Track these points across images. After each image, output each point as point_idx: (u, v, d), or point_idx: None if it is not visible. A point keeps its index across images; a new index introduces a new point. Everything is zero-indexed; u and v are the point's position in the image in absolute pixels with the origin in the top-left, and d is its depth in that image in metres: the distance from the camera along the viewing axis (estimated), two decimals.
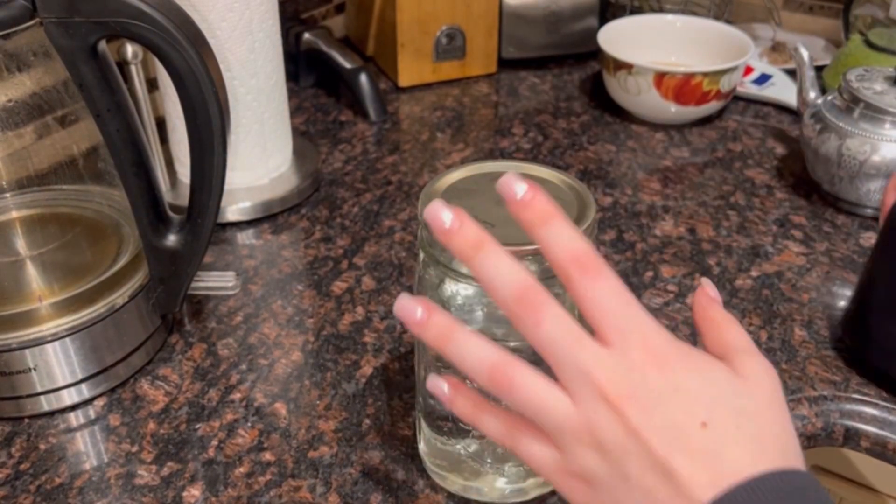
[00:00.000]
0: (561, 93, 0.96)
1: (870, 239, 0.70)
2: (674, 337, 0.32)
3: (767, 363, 0.34)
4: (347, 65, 0.88)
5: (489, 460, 0.46)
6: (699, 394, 0.31)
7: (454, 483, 0.47)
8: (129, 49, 0.63)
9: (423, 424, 0.48)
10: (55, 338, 0.51)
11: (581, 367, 0.31)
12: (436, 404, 0.46)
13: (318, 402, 0.54)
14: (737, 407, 0.31)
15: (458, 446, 0.46)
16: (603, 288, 0.32)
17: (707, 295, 0.37)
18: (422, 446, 0.49)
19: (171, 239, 0.54)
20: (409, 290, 0.63)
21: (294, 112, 0.89)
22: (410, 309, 0.34)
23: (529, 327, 0.32)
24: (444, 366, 0.44)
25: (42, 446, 0.51)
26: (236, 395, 0.54)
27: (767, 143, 0.85)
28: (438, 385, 0.36)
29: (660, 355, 0.31)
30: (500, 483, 0.47)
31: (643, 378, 0.31)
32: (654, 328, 0.32)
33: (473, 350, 0.33)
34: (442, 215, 0.33)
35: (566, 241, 0.32)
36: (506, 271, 0.32)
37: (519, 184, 0.32)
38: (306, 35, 0.91)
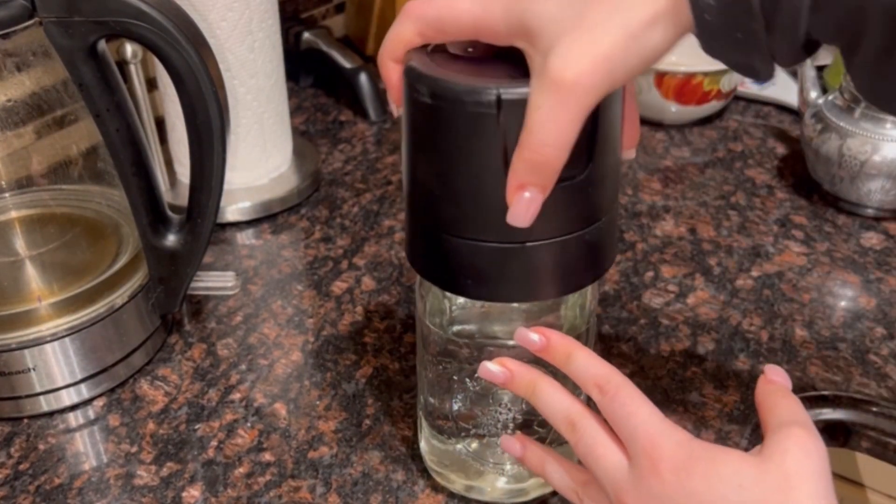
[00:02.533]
0: None
1: (871, 239, 0.70)
2: (687, 438, 0.35)
3: (810, 436, 0.35)
4: (347, 64, 0.88)
5: (490, 460, 0.46)
6: (703, 494, 0.33)
7: (455, 483, 0.47)
8: (129, 49, 0.63)
9: (424, 424, 0.47)
10: (54, 338, 0.51)
11: (604, 479, 0.36)
12: (436, 403, 0.46)
13: (317, 402, 0.54)
14: (741, 500, 0.33)
15: (459, 446, 0.46)
16: (617, 406, 0.36)
17: (767, 380, 0.39)
18: (422, 445, 0.49)
19: (171, 239, 0.54)
20: (410, 290, 0.63)
21: (294, 112, 0.89)
22: (492, 371, 0.40)
23: (573, 442, 0.38)
24: (445, 365, 0.44)
25: (41, 446, 0.51)
26: (236, 396, 0.54)
27: (768, 143, 0.85)
28: (512, 443, 0.42)
29: (664, 461, 0.34)
30: (501, 483, 0.46)
31: (648, 488, 0.34)
32: (665, 434, 0.35)
33: (554, 399, 0.39)
34: (530, 336, 0.39)
35: (588, 368, 0.38)
36: (558, 400, 0.39)
37: (531, 334, 0.39)
38: (306, 35, 0.91)
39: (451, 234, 0.37)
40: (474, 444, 0.46)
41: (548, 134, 0.32)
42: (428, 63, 0.35)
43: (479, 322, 0.44)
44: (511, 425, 0.45)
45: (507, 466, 0.46)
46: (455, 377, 0.44)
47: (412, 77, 0.35)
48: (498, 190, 0.34)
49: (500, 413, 0.44)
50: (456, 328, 0.44)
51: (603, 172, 0.36)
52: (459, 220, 0.37)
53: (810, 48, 0.31)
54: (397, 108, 0.38)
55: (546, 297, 0.41)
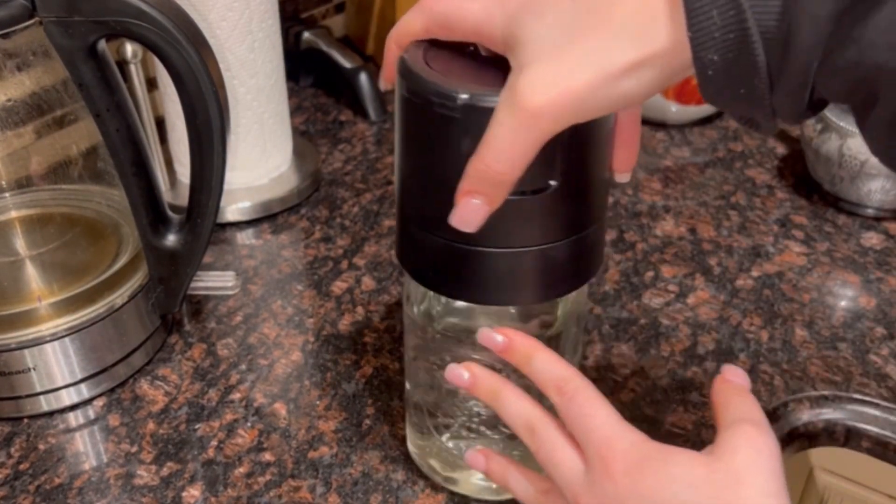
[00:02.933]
0: None
1: (871, 239, 0.70)
2: (641, 439, 0.35)
3: (761, 433, 0.35)
4: (347, 64, 0.88)
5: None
6: (656, 494, 0.34)
7: (436, 474, 0.48)
8: (129, 48, 0.63)
9: (408, 413, 0.48)
10: (54, 338, 0.51)
11: (563, 484, 0.37)
12: (415, 393, 0.46)
13: (317, 402, 0.54)
14: (692, 499, 0.33)
15: (437, 437, 0.47)
16: (575, 408, 0.36)
17: (723, 379, 0.39)
18: (407, 431, 0.50)
19: (171, 239, 0.54)
20: None
21: (294, 112, 0.89)
22: (458, 374, 0.40)
23: (533, 448, 0.38)
24: (422, 357, 0.44)
25: (41, 446, 0.51)
26: (236, 396, 0.54)
27: (768, 142, 0.85)
28: (476, 458, 0.42)
29: (617, 462, 0.34)
30: (476, 478, 0.47)
31: (603, 490, 0.35)
32: (619, 435, 0.35)
33: (516, 406, 0.38)
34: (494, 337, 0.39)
35: (547, 371, 0.37)
36: (519, 407, 0.38)
37: (495, 335, 0.39)
38: (306, 34, 0.91)
39: (418, 227, 0.38)
40: (450, 437, 0.46)
41: (501, 151, 0.32)
42: (418, 57, 0.35)
43: (459, 317, 0.44)
44: (478, 423, 0.45)
45: None
46: (431, 370, 0.45)
47: (399, 69, 0.36)
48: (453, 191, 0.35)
49: (473, 407, 0.45)
50: (436, 324, 0.44)
51: (581, 188, 0.36)
52: (427, 217, 0.37)
53: (817, 107, 0.30)
54: (385, 83, 0.39)
55: (508, 303, 0.41)
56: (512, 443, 0.45)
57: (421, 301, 0.44)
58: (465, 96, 0.33)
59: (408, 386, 0.48)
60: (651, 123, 0.88)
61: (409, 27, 0.36)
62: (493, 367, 0.40)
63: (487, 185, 0.33)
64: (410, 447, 0.49)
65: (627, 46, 0.29)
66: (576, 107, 0.30)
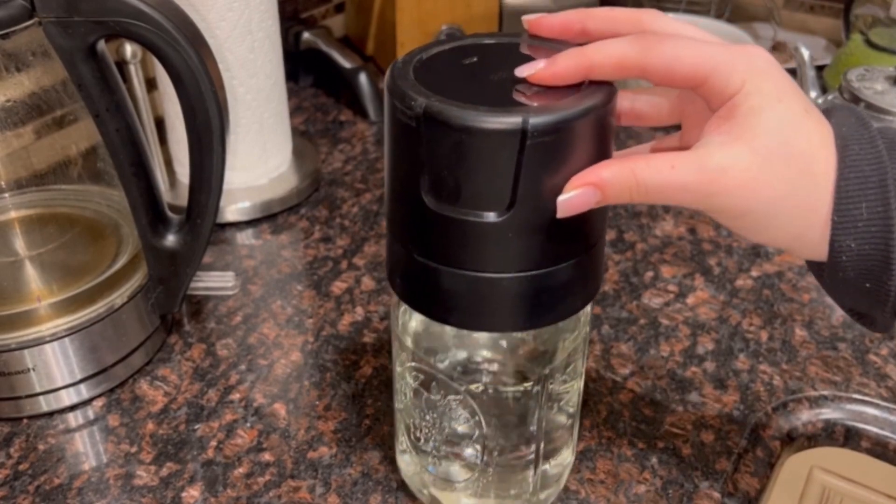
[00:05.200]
0: None
1: None
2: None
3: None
4: (347, 64, 0.88)
5: (451, 479, 0.44)
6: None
7: (423, 493, 0.46)
8: (128, 49, 0.63)
9: (398, 433, 0.46)
10: (54, 338, 0.51)
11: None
12: (404, 417, 0.44)
13: (317, 402, 0.54)
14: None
15: (421, 458, 0.45)
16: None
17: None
18: (396, 448, 0.48)
19: (171, 239, 0.54)
20: None
21: (293, 112, 0.89)
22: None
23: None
24: (420, 370, 0.42)
25: (41, 447, 0.51)
26: (235, 396, 0.54)
27: None
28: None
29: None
30: (463, 502, 0.45)
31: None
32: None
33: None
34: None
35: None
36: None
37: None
38: (306, 34, 0.91)
39: (389, 232, 0.37)
40: (432, 461, 0.44)
41: (657, 182, 0.32)
42: (411, 58, 0.35)
43: (431, 331, 0.42)
44: (451, 449, 0.43)
45: (460, 483, 0.44)
46: (414, 388, 0.43)
47: (388, 73, 0.35)
48: (416, 204, 0.34)
49: (446, 428, 0.42)
50: (406, 337, 0.42)
51: (552, 223, 0.34)
52: (393, 224, 0.37)
53: None
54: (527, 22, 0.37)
55: (486, 330, 0.39)
56: (487, 469, 0.43)
57: (399, 309, 0.43)
58: (421, 105, 0.32)
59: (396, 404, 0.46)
60: None
61: (611, 53, 0.33)
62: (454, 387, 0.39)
63: (616, 190, 0.32)
64: (399, 465, 0.48)
65: (789, 220, 0.32)
66: (731, 202, 0.32)
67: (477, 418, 0.41)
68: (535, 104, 0.32)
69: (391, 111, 0.34)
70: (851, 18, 0.96)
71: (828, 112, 0.34)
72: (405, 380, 0.43)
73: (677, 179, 0.31)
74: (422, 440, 0.44)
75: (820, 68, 0.91)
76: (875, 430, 0.54)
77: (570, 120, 0.32)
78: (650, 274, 0.65)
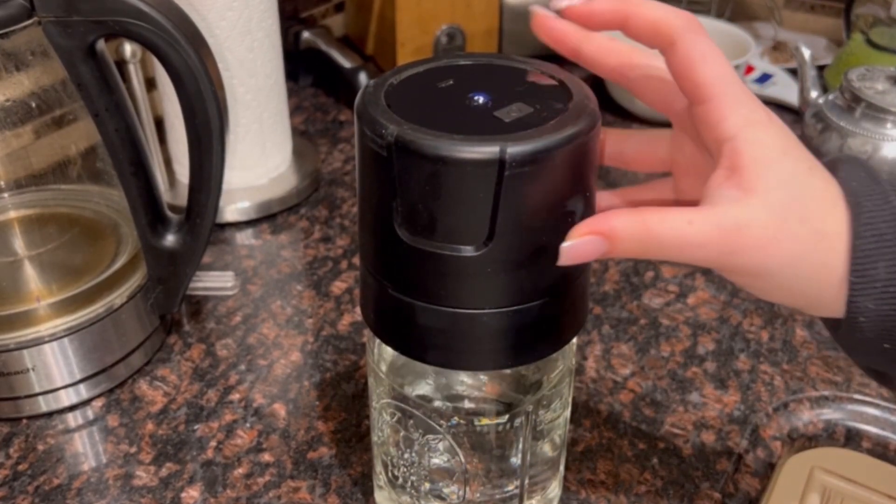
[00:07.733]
0: None
1: None
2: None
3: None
4: (347, 64, 0.88)
5: None
6: None
7: None
8: (128, 48, 0.63)
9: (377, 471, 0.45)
10: (53, 338, 0.51)
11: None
12: (381, 452, 0.43)
13: (317, 402, 0.54)
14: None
15: (399, 496, 0.43)
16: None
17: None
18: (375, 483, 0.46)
19: (170, 239, 0.54)
20: None
21: (293, 111, 0.89)
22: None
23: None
24: (398, 408, 0.40)
25: (40, 447, 0.51)
26: (235, 396, 0.54)
27: None
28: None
29: None
30: None
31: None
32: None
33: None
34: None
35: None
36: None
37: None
38: (305, 34, 0.91)
39: (365, 268, 0.36)
40: (410, 500, 0.43)
41: (671, 237, 0.30)
42: (383, 81, 0.33)
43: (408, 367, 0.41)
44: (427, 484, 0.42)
45: None
46: (391, 426, 0.41)
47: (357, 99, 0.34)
48: (389, 236, 0.32)
49: (424, 467, 0.41)
50: (382, 366, 0.41)
51: (534, 257, 0.32)
52: (366, 256, 0.35)
53: None
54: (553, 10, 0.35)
55: (465, 369, 0.38)
56: None
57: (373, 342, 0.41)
58: (393, 133, 0.30)
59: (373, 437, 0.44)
60: (651, 123, 0.88)
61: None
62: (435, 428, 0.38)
63: (626, 243, 0.30)
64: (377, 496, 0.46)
65: (810, 276, 0.30)
66: (744, 262, 0.31)
67: (458, 457, 0.39)
68: (514, 132, 0.31)
69: (361, 139, 0.32)
70: (852, 18, 0.96)
71: (833, 165, 0.32)
72: (382, 417, 0.41)
73: (696, 237, 0.30)
74: (399, 479, 0.42)
75: (821, 68, 0.91)
76: (876, 430, 0.53)
77: (550, 149, 0.30)
78: (651, 274, 0.65)
